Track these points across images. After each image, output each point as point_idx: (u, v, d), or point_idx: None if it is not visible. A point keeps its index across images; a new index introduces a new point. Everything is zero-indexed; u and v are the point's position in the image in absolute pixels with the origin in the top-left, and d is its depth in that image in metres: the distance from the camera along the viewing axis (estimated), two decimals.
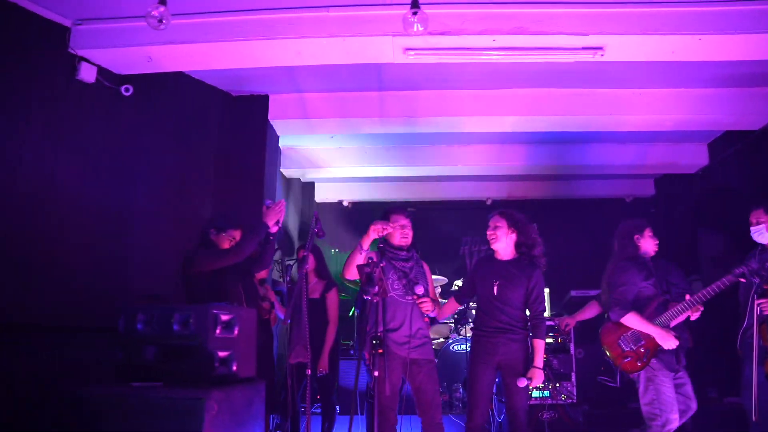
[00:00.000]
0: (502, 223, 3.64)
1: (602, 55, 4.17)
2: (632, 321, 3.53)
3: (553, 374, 4.83)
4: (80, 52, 4.13)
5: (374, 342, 3.13)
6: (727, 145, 6.33)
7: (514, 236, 3.63)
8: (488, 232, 3.67)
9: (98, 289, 4.01)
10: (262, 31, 4.01)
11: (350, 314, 6.40)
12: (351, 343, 6.42)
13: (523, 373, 3.43)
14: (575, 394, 4.84)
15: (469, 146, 6.79)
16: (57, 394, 2.83)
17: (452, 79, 5.11)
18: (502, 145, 6.75)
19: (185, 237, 4.37)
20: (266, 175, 5.26)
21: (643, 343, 3.55)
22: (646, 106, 5.46)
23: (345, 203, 8.05)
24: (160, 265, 4.20)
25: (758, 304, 3.68)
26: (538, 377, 3.45)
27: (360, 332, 4.86)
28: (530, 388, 4.48)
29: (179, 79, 4.70)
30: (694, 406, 3.64)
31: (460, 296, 4.04)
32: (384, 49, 4.14)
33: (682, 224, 7.16)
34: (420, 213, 6.58)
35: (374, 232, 3.46)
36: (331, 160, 6.81)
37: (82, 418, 2.44)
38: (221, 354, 2.63)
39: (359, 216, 7.91)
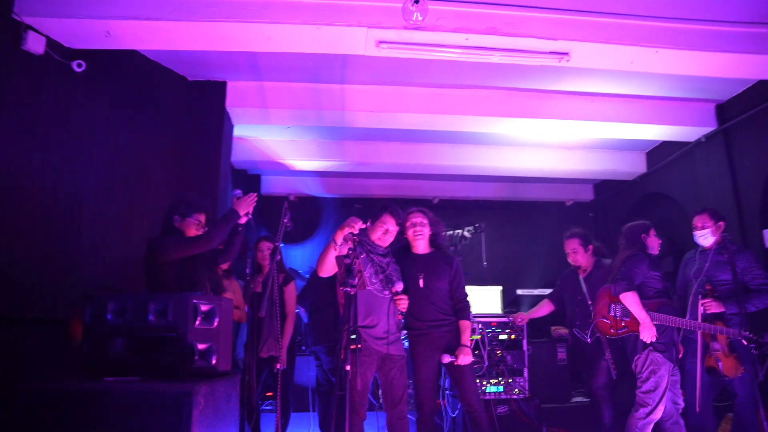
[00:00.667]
0: (425, 220, 3.79)
1: (567, 60, 4.33)
2: (629, 299, 3.73)
3: (507, 370, 4.93)
4: (27, 20, 3.80)
5: (352, 337, 3.08)
6: (665, 155, 6.72)
7: (429, 232, 3.81)
8: (414, 229, 3.76)
9: (43, 278, 3.72)
10: (233, 12, 3.86)
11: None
12: (299, 338, 6.29)
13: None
14: (527, 389, 4.97)
15: (421, 144, 6.84)
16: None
17: (417, 75, 5.12)
18: (454, 144, 6.85)
19: (140, 224, 4.15)
20: (222, 165, 5.07)
21: (627, 320, 3.81)
22: (596, 113, 5.71)
23: (292, 198, 7.89)
24: (113, 253, 3.95)
25: (702, 304, 3.93)
26: (465, 354, 3.60)
27: (315, 327, 4.77)
28: (483, 383, 4.67)
29: (134, 58, 4.43)
30: (681, 402, 3.86)
31: None
32: (357, 40, 4.09)
33: (619, 228, 7.51)
34: (367, 210, 6.52)
35: (348, 227, 3.36)
36: (282, 153, 6.65)
37: (48, 416, 2.23)
38: (201, 346, 2.50)
39: (306, 211, 7.79)
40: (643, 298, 3.80)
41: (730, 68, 4.68)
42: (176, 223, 3.30)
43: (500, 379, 4.88)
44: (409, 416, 3.64)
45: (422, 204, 7.84)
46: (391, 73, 5.09)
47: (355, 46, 4.17)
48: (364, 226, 3.47)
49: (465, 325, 3.72)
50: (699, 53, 4.38)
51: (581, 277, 4.38)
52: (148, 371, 2.44)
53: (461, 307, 3.78)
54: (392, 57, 4.32)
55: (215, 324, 2.56)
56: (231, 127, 5.47)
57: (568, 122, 5.71)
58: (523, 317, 4.64)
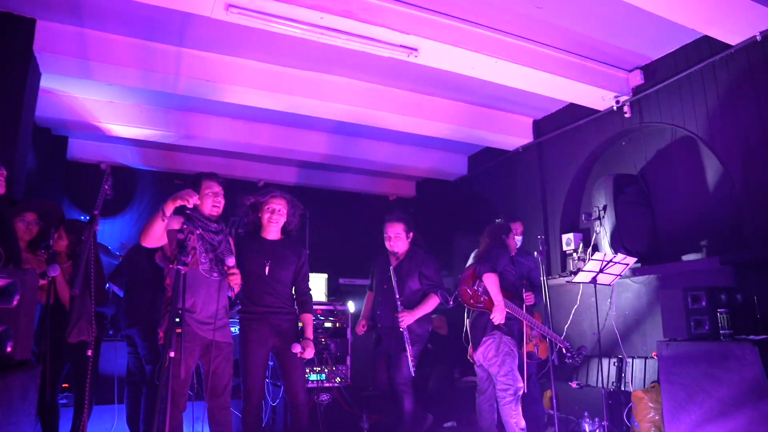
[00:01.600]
0: (285, 209, 3.71)
1: (416, 56, 4.43)
2: (490, 280, 4.02)
3: (330, 358, 4.93)
4: None
5: (176, 320, 2.78)
6: (485, 160, 7.27)
7: (285, 220, 3.74)
8: (272, 215, 3.66)
9: None
10: None
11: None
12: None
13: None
14: (350, 376, 5.02)
15: (255, 124, 6.55)
16: None
17: (261, 49, 4.87)
18: (286, 127, 6.69)
19: None
20: (23, 119, 4.30)
21: (486, 298, 4.10)
22: (429, 112, 5.95)
23: (103, 166, 7.03)
24: None
25: (526, 296, 4.35)
26: (310, 348, 3.60)
27: (130, 307, 4.29)
28: (306, 371, 4.60)
29: None
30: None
31: None
32: None
33: (439, 224, 7.98)
34: (186, 187, 6.07)
35: (181, 200, 3.06)
36: (98, 114, 5.88)
37: None
38: None
39: (120, 183, 7.00)
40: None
41: (551, 88, 5.18)
42: None
43: (323, 367, 4.87)
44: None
45: (247, 186, 7.62)
46: (234, 43, 4.77)
47: (202, 5, 3.80)
48: (198, 202, 3.19)
49: (308, 318, 3.71)
50: (530, 69, 4.77)
51: (392, 266, 4.38)
52: None
53: (304, 300, 3.74)
54: (239, 24, 4.04)
55: (14, 303, 2.12)
56: (38, 75, 4.67)
57: (404, 118, 5.88)
58: (363, 324, 4.53)
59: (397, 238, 4.32)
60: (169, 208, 3.07)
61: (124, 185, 7.10)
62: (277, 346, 3.57)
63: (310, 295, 3.80)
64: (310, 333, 3.66)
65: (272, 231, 3.70)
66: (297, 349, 3.50)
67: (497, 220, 4.87)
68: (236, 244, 3.58)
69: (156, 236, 3.08)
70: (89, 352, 2.76)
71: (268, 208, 3.67)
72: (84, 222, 4.36)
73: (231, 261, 3.23)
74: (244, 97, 5.39)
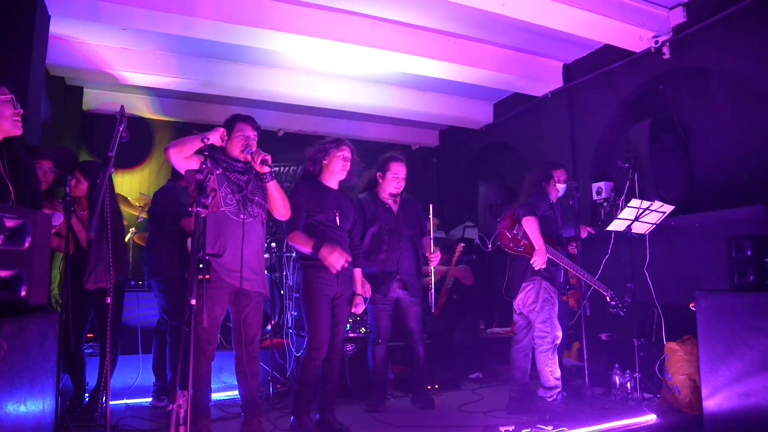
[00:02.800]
0: (353, 153, 3.70)
1: None
2: (530, 224, 3.90)
3: None
4: None
5: (200, 265, 2.67)
6: (512, 107, 6.99)
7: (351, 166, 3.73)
8: (345, 163, 3.64)
9: None
10: None
11: (127, 239, 5.56)
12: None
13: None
14: None
15: (275, 70, 6.31)
16: None
17: None
18: (307, 74, 6.44)
19: None
20: (33, 66, 4.14)
21: (525, 242, 3.99)
22: (456, 55, 5.66)
23: (118, 109, 6.89)
24: None
25: (571, 248, 4.26)
26: (362, 303, 3.73)
27: (151, 257, 4.23)
28: None
29: None
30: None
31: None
32: None
33: (464, 175, 7.78)
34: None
35: (218, 137, 3.05)
36: (111, 62, 5.70)
37: None
38: (4, 273, 1.95)
39: (137, 134, 6.86)
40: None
41: (586, 27, 4.87)
42: None
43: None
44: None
45: (267, 135, 7.46)
46: None
47: None
48: (224, 141, 3.11)
49: (359, 272, 3.80)
50: (564, 6, 4.48)
51: (393, 206, 4.26)
52: None
53: (356, 254, 3.75)
54: None
55: (26, 245, 2.01)
56: (47, 18, 4.48)
57: (429, 61, 5.61)
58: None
59: (404, 180, 4.24)
60: (214, 136, 3.02)
61: (141, 136, 6.98)
62: (338, 294, 3.57)
63: (361, 249, 3.88)
64: (359, 287, 3.76)
65: (336, 180, 3.67)
66: (361, 309, 3.70)
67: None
68: (298, 189, 3.58)
69: (186, 151, 2.99)
70: (108, 300, 2.67)
71: (341, 155, 3.62)
72: (99, 163, 4.26)
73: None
74: (264, 41, 5.14)
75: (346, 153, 3.64)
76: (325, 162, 3.64)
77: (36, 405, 2.04)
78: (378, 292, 4.13)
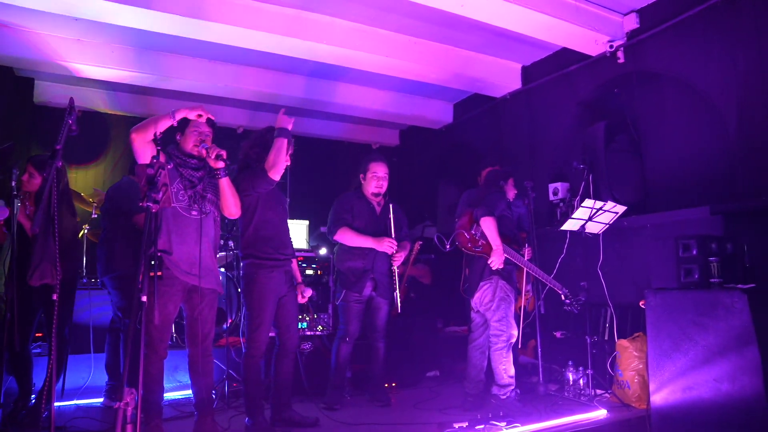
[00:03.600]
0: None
1: None
2: (488, 224, 3.95)
3: (312, 306, 4.84)
4: None
5: (151, 262, 2.62)
6: (471, 108, 7.07)
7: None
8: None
9: None
10: None
11: (80, 235, 5.40)
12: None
13: None
14: (331, 324, 4.94)
15: (233, 66, 6.21)
16: None
17: None
18: (264, 69, 6.36)
19: None
20: None
21: (482, 242, 4.03)
22: (416, 55, 5.69)
23: (75, 110, 6.68)
24: None
25: (525, 251, 4.34)
26: (307, 290, 3.86)
27: (106, 253, 4.12)
28: None
29: None
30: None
31: None
32: None
33: (424, 174, 7.83)
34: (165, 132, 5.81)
35: (189, 111, 3.08)
36: (64, 54, 5.52)
37: None
38: None
39: (92, 129, 6.69)
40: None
41: (543, 30, 4.97)
42: None
43: (304, 315, 4.78)
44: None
45: (226, 133, 7.38)
46: None
47: None
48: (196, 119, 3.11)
49: (295, 264, 3.91)
50: (522, 9, 4.55)
51: (376, 207, 4.33)
52: None
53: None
54: None
55: None
56: None
57: (390, 60, 5.62)
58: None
59: (385, 179, 4.29)
60: (180, 114, 3.01)
61: (96, 131, 6.80)
62: (285, 293, 3.62)
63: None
64: (300, 278, 3.89)
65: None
66: (308, 292, 3.82)
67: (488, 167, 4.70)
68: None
69: (150, 132, 2.91)
70: (54, 296, 2.59)
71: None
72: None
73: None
74: (222, 36, 5.06)
75: None
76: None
77: None
78: (353, 290, 4.15)
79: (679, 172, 4.82)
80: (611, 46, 5.11)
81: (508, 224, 4.19)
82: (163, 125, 2.95)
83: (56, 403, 3.75)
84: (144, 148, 2.93)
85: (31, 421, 3.46)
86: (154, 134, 2.89)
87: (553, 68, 5.84)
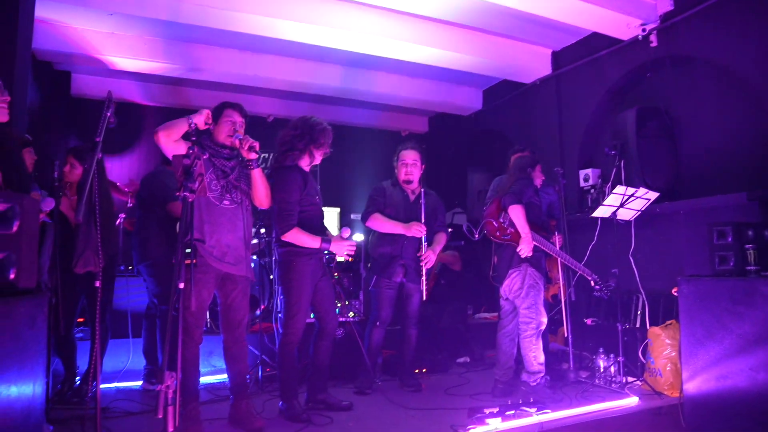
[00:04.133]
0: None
1: None
2: (516, 212, 3.92)
3: (343, 292, 4.90)
4: None
5: (186, 250, 2.70)
6: (501, 94, 7.01)
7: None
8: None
9: None
10: None
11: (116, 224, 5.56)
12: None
13: None
14: (363, 311, 5.00)
15: (264, 56, 6.27)
16: None
17: None
18: (296, 59, 6.41)
19: None
20: (19, 52, 4.10)
21: (511, 230, 4.01)
22: (446, 41, 5.66)
23: (113, 103, 6.85)
24: None
25: (556, 238, 4.30)
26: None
27: (141, 242, 4.24)
28: None
29: None
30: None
31: None
32: None
33: (453, 161, 7.81)
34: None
35: (206, 116, 3.10)
36: (99, 47, 5.66)
37: None
38: None
39: (126, 120, 6.85)
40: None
41: (574, 14, 4.90)
42: None
43: (336, 301, 4.84)
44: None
45: (256, 122, 7.45)
46: None
47: None
48: (209, 126, 3.12)
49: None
50: None
51: (411, 201, 4.34)
52: None
53: None
54: None
55: (14, 228, 2.03)
56: (32, 2, 4.44)
57: (420, 47, 5.61)
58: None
59: (414, 166, 4.29)
60: (199, 119, 3.04)
61: (130, 122, 6.95)
62: (320, 277, 3.68)
63: None
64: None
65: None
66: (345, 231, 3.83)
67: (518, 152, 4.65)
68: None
69: (174, 135, 3.01)
70: (97, 283, 2.70)
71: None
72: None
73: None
74: (252, 26, 5.13)
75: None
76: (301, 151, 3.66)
77: (26, 387, 2.07)
78: (383, 276, 4.19)
79: (714, 157, 4.73)
80: (644, 30, 5.01)
81: (536, 211, 4.17)
82: (181, 130, 3.01)
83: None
84: (169, 147, 3.03)
85: (77, 400, 3.62)
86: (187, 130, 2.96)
87: (584, 53, 5.76)
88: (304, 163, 3.64)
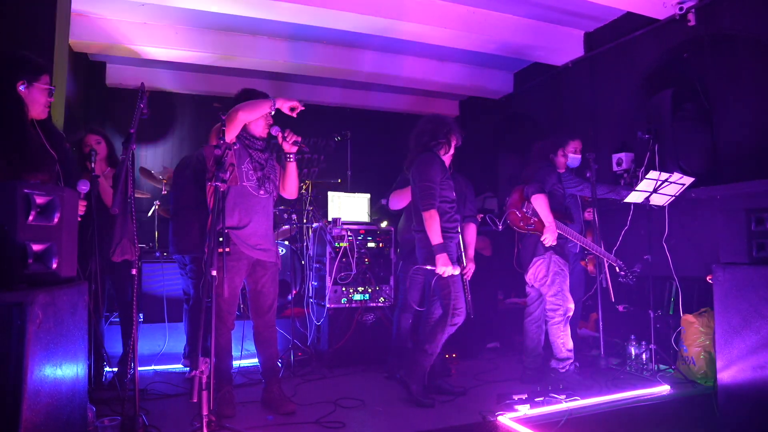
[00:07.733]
0: None
1: None
2: (540, 201, 3.91)
3: (373, 277, 4.94)
4: None
5: (219, 238, 2.76)
6: (532, 77, 6.90)
7: None
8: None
9: None
10: None
11: (150, 212, 5.72)
12: (150, 244, 5.77)
13: None
14: (393, 296, 5.04)
15: (296, 43, 6.31)
16: None
17: None
18: (325, 45, 6.41)
19: None
20: (57, 44, 4.21)
21: (534, 220, 4.00)
22: (476, 25, 5.59)
23: (141, 85, 6.98)
24: None
25: (587, 213, 4.29)
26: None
27: (177, 232, 4.32)
28: (350, 291, 4.70)
29: None
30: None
31: None
32: None
33: (484, 145, 7.74)
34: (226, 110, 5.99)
35: (285, 103, 3.27)
36: (132, 37, 5.77)
37: None
38: (36, 247, 2.04)
39: (159, 108, 6.98)
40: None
41: None
42: (23, 89, 2.54)
43: (367, 287, 4.89)
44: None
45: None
46: None
47: None
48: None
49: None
50: None
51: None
52: None
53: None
54: None
55: (55, 220, 2.11)
56: None
57: (450, 32, 5.55)
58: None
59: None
60: (284, 104, 3.23)
61: (163, 110, 7.09)
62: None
63: None
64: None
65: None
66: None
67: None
68: (434, 161, 3.65)
69: (255, 114, 3.18)
70: (133, 271, 2.79)
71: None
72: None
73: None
74: (284, 14, 5.15)
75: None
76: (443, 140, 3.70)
77: (71, 369, 2.17)
78: (409, 261, 4.20)
79: (753, 141, 4.57)
80: (681, 9, 4.86)
81: (559, 198, 4.13)
82: (263, 111, 3.20)
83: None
84: (239, 128, 3.14)
85: (118, 383, 3.75)
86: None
87: (618, 34, 5.62)
88: (444, 153, 3.74)
